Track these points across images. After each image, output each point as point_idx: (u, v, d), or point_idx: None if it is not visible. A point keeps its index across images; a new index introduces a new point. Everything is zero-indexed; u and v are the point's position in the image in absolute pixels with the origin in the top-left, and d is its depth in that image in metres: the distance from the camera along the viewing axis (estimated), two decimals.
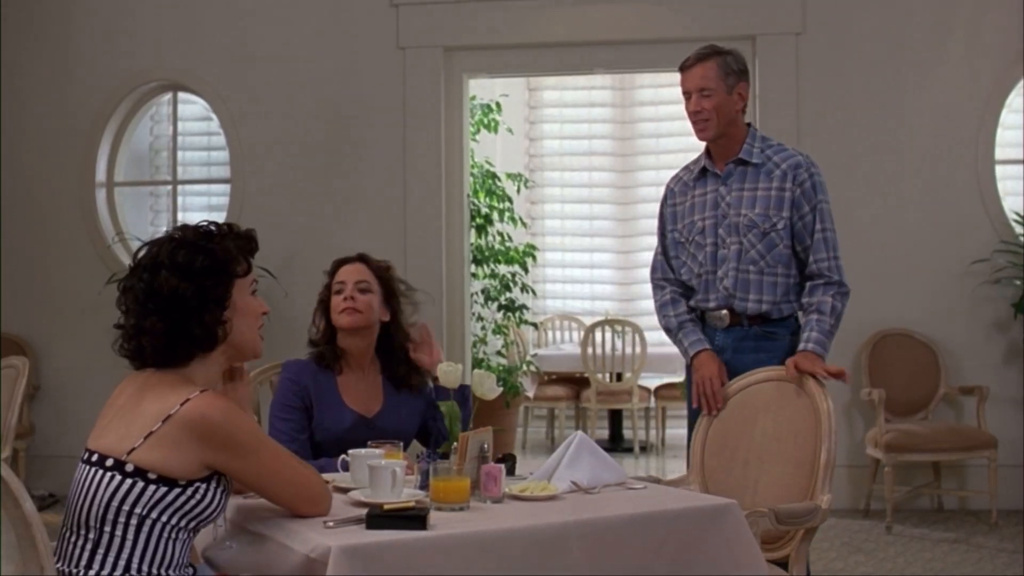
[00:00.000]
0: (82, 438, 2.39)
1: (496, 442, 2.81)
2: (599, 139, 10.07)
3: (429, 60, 6.57)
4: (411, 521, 2.31)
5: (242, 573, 2.48)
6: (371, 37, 6.62)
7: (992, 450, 5.76)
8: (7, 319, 6.70)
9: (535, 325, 9.19)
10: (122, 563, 2.26)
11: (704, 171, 3.67)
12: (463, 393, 3.21)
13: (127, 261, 2.33)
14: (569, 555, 2.39)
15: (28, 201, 6.88)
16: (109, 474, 2.27)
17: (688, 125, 3.65)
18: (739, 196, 3.58)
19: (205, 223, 2.46)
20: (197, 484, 2.29)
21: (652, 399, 8.56)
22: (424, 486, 2.63)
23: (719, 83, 3.56)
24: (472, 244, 7.51)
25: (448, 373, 3.06)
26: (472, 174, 7.58)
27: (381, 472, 2.51)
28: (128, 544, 2.26)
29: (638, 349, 8.26)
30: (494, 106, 8.55)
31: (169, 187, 7.27)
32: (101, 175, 6.96)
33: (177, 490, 2.27)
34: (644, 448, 8.51)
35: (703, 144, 3.70)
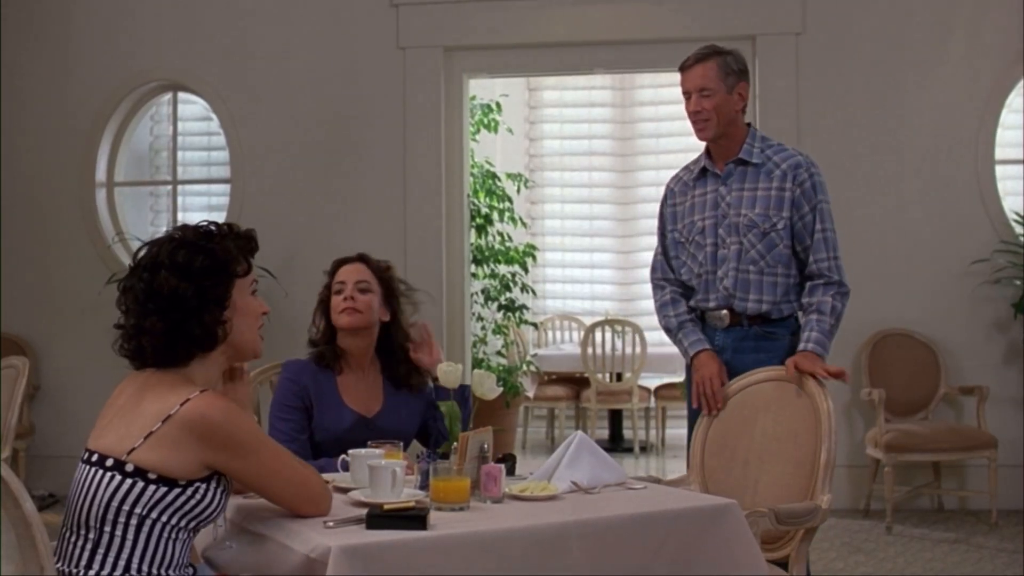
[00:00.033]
0: (82, 438, 2.39)
1: (496, 442, 2.81)
2: (599, 139, 10.07)
3: (429, 60, 6.58)
4: (411, 521, 2.31)
5: (242, 573, 2.48)
6: (371, 37, 6.62)
7: (992, 450, 5.76)
8: (7, 319, 6.70)
9: (535, 325, 9.19)
10: (122, 563, 2.26)
11: (704, 171, 3.67)
12: (463, 394, 3.22)
13: (127, 261, 2.34)
14: (569, 555, 2.39)
15: (28, 201, 6.88)
16: (109, 474, 2.27)
17: (688, 125, 3.65)
18: (739, 196, 3.58)
19: (205, 223, 2.46)
20: (197, 484, 2.29)
21: (652, 399, 8.56)
22: (424, 486, 2.63)
23: (719, 83, 3.56)
24: (472, 244, 7.51)
25: (448, 373, 3.06)
26: (472, 174, 7.58)
27: (381, 472, 2.51)
28: (128, 544, 2.27)
29: (638, 349, 8.26)
30: (494, 106, 8.55)
31: (169, 187, 7.27)
32: (101, 175, 6.96)
33: (177, 490, 2.27)
34: (644, 448, 8.51)
35: (703, 144, 3.70)
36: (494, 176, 8.41)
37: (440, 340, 6.38)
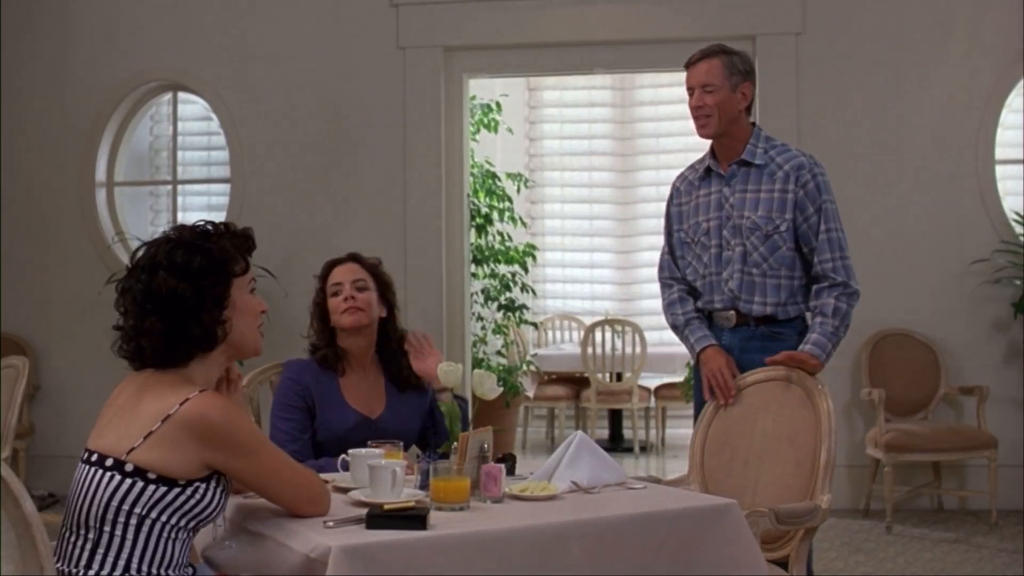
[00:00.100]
0: (82, 438, 2.39)
1: (496, 442, 2.81)
2: (599, 139, 10.07)
3: (429, 60, 6.57)
4: (411, 521, 2.31)
5: (242, 573, 2.48)
6: (371, 37, 6.61)
7: (992, 450, 5.76)
8: (7, 319, 6.70)
9: (535, 325, 9.19)
10: (122, 563, 2.26)
11: (709, 171, 3.66)
12: (462, 408, 3.19)
13: (127, 261, 2.32)
14: (569, 555, 2.39)
15: (28, 201, 6.88)
16: (109, 474, 2.27)
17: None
18: (742, 198, 3.57)
19: (202, 223, 2.46)
20: (196, 484, 2.29)
21: (652, 399, 8.56)
22: (424, 486, 2.63)
23: (723, 80, 3.55)
24: (472, 244, 7.51)
25: (448, 373, 3.06)
26: (472, 174, 7.58)
27: (381, 472, 2.51)
28: (128, 544, 2.26)
29: (638, 349, 8.26)
30: (494, 106, 8.55)
31: (169, 187, 7.27)
32: (101, 175, 6.96)
33: (177, 490, 2.27)
34: (644, 448, 8.51)
35: (703, 144, 3.70)
36: (494, 176, 8.41)
37: (440, 340, 6.39)
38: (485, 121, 8.46)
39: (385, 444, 2.84)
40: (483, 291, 8.19)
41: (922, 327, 6.21)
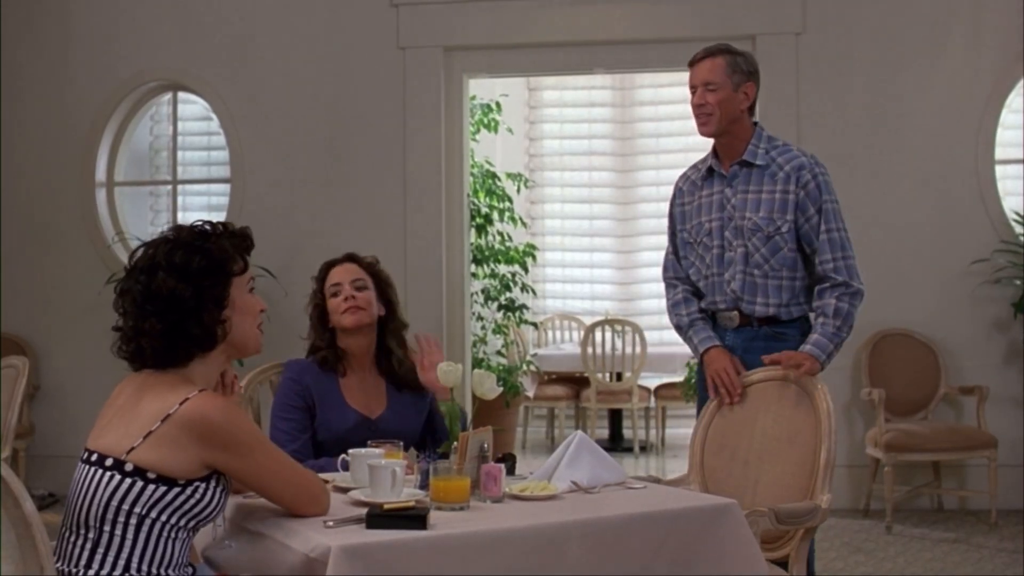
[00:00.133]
0: (82, 438, 2.39)
1: (496, 442, 2.81)
2: (599, 139, 10.07)
3: (429, 60, 6.57)
4: (411, 521, 2.31)
5: (241, 572, 2.48)
6: (371, 37, 6.61)
7: (992, 450, 5.76)
8: (7, 319, 6.70)
9: (535, 325, 9.19)
10: (122, 562, 2.26)
11: (711, 171, 3.66)
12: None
13: (127, 261, 2.33)
14: (569, 555, 2.39)
15: (28, 201, 6.88)
16: (108, 474, 2.27)
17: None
18: (744, 199, 3.56)
19: (200, 223, 2.46)
20: (196, 483, 2.29)
21: (652, 399, 8.56)
22: (424, 486, 2.63)
23: (725, 79, 3.55)
24: (472, 244, 7.51)
25: (448, 373, 3.06)
26: (472, 174, 7.58)
27: (381, 472, 2.51)
28: (128, 543, 2.27)
29: (638, 349, 8.26)
30: (494, 106, 8.55)
31: (169, 187, 7.27)
32: (101, 175, 6.96)
33: (176, 489, 2.27)
34: (644, 448, 8.51)
35: (703, 145, 3.70)
36: (494, 176, 8.41)
37: (440, 340, 6.37)
38: (485, 121, 8.46)
39: (385, 444, 2.84)
40: (483, 291, 8.19)
41: (922, 327, 6.21)
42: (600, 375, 8.32)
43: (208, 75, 6.77)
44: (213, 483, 2.32)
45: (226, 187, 6.92)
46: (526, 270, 8.48)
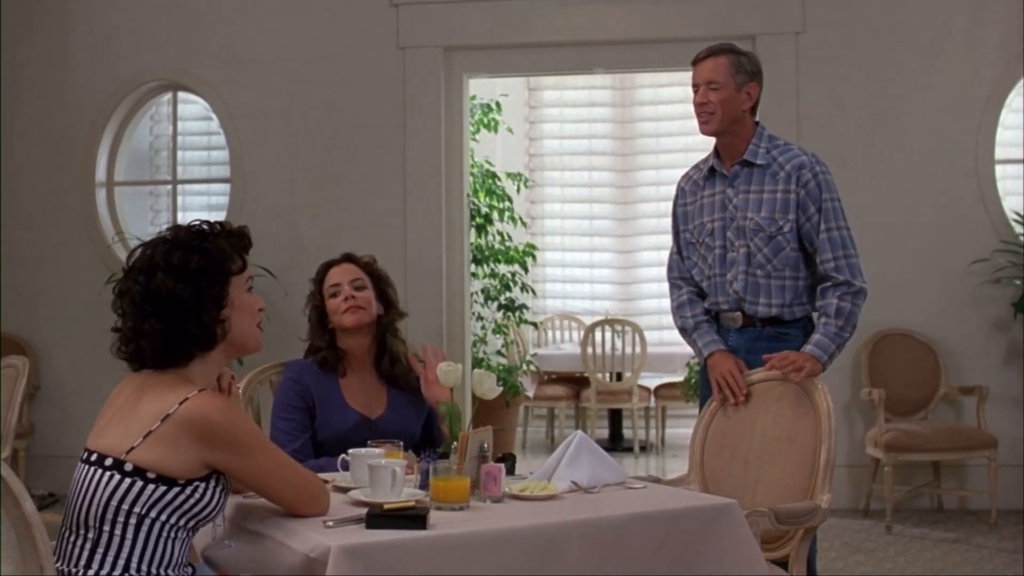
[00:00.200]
0: (82, 438, 2.39)
1: (496, 442, 2.81)
2: (599, 139, 10.07)
3: (429, 60, 6.57)
4: (411, 521, 2.31)
5: (241, 572, 2.48)
6: (371, 37, 6.61)
7: (992, 450, 5.76)
8: (7, 319, 6.70)
9: (535, 325, 9.19)
10: (121, 562, 2.26)
11: (713, 171, 3.66)
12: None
13: None
14: (569, 555, 2.39)
15: (28, 201, 6.88)
16: (108, 473, 2.27)
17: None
18: (745, 199, 3.56)
19: (197, 222, 2.46)
20: (196, 483, 2.29)
21: (652, 399, 8.56)
22: (424, 486, 2.63)
23: (728, 78, 3.54)
24: (472, 244, 7.51)
25: (448, 373, 3.06)
26: (472, 174, 7.58)
27: (381, 472, 2.51)
28: (127, 543, 2.27)
29: (638, 349, 8.26)
30: (494, 106, 8.55)
31: (169, 187, 7.27)
32: (101, 175, 6.96)
33: (176, 489, 2.27)
34: (644, 448, 8.51)
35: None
36: (494, 176, 8.41)
37: (440, 340, 6.39)
38: (485, 121, 8.46)
39: (385, 444, 2.84)
40: (483, 291, 8.19)
41: (922, 327, 6.21)
42: (600, 375, 8.32)
43: (208, 75, 6.77)
44: (213, 483, 2.32)
45: (226, 187, 6.92)
46: (526, 270, 8.48)
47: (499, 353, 8.43)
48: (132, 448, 2.27)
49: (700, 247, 3.65)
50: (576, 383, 8.63)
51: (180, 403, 2.28)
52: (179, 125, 7.15)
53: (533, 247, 8.58)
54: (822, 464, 3.11)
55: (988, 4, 6.21)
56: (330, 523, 2.33)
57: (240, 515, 2.54)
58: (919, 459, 5.90)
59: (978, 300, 6.16)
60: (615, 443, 8.50)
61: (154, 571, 2.27)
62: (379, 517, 2.32)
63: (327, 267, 3.41)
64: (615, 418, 8.67)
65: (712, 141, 3.67)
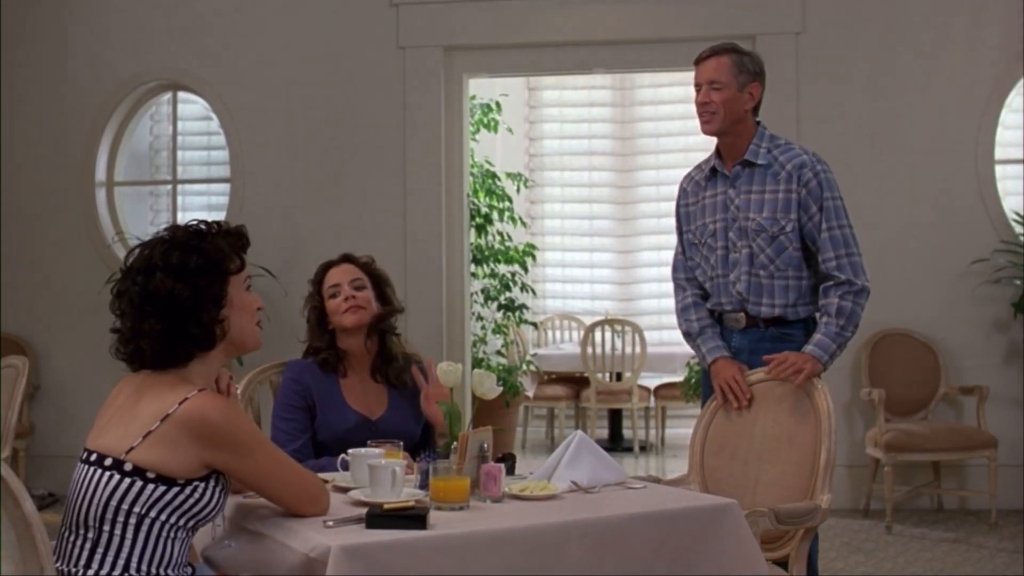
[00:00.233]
0: (82, 438, 2.39)
1: (496, 442, 2.81)
2: (599, 139, 10.06)
3: (429, 60, 6.57)
4: (411, 521, 2.31)
5: (241, 572, 2.48)
6: (371, 37, 6.61)
7: (992, 450, 5.76)
8: (7, 319, 6.70)
9: (535, 325, 9.19)
10: (121, 562, 2.26)
11: (714, 171, 3.65)
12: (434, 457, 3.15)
13: None
14: (569, 555, 2.39)
15: (28, 201, 6.88)
16: (108, 473, 2.27)
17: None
18: (747, 199, 3.55)
19: (195, 222, 2.45)
20: (196, 483, 2.29)
21: (652, 399, 8.56)
22: (424, 486, 2.63)
23: (730, 78, 3.53)
24: (472, 244, 7.51)
25: (448, 373, 3.06)
26: (472, 174, 7.58)
27: (381, 471, 2.51)
28: (127, 543, 2.27)
29: (638, 349, 8.26)
30: (494, 106, 8.55)
31: (169, 187, 7.27)
32: (101, 175, 6.96)
33: (176, 489, 2.27)
34: (644, 448, 8.51)
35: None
36: (494, 176, 8.41)
37: (440, 340, 6.39)
38: (485, 121, 8.46)
39: (385, 444, 2.84)
40: (483, 291, 8.19)
41: (922, 327, 6.21)
42: (600, 375, 8.32)
43: (208, 75, 6.77)
44: (212, 483, 2.32)
45: (226, 187, 6.92)
46: (526, 270, 8.48)
47: (499, 353, 8.43)
48: (132, 448, 2.27)
49: (703, 248, 3.64)
50: (576, 383, 8.63)
51: (180, 403, 2.28)
52: (179, 125, 7.15)
53: (533, 247, 8.57)
54: (822, 464, 3.11)
55: (988, 4, 6.21)
56: (330, 523, 2.33)
57: (240, 515, 2.54)
58: (919, 459, 5.90)
59: (978, 300, 6.16)
60: (615, 443, 8.50)
61: (154, 571, 2.27)
62: (379, 517, 2.32)
63: (326, 268, 3.41)
64: (615, 418, 8.67)
65: (713, 141, 3.66)
